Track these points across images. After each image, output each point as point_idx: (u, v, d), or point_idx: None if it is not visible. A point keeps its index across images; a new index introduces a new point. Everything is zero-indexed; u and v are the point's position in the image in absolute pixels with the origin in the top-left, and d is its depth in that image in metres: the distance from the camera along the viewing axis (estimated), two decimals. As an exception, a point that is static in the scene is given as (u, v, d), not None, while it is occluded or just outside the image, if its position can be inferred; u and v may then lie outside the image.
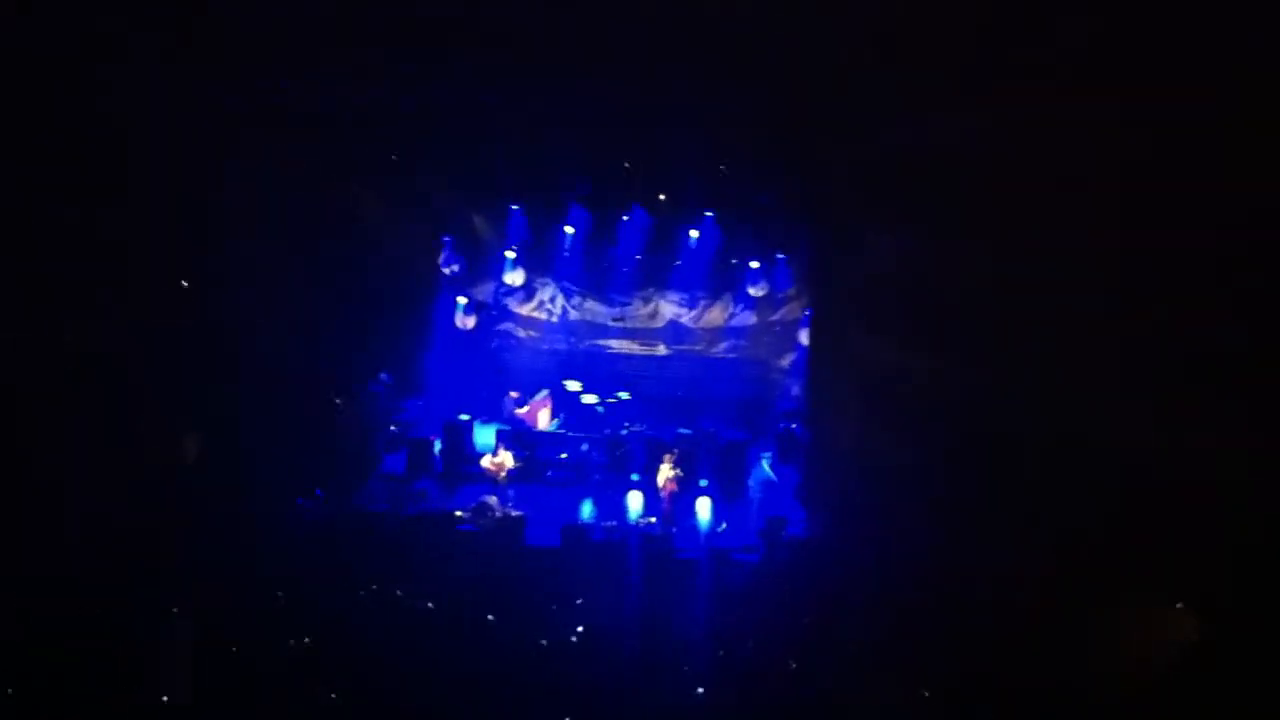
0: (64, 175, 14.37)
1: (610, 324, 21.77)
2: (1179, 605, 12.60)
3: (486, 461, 17.89)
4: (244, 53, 15.26)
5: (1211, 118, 12.21)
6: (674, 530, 16.70)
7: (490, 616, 12.93)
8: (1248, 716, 10.93)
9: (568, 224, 20.38)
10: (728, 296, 21.44)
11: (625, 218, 20.15)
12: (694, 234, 20.14)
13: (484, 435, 19.45)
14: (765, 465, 19.83)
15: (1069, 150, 13.43)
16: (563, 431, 19.97)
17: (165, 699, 10.90)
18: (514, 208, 20.41)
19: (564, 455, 19.09)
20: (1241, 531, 12.16)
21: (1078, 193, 13.56)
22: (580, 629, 12.77)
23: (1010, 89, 13.61)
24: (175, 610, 12.32)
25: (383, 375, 19.83)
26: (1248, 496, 12.17)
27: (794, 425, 19.87)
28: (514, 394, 20.06)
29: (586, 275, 21.40)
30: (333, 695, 11.15)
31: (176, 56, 14.94)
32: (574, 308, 21.78)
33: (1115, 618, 12.59)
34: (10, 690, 10.74)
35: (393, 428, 19.75)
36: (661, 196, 19.49)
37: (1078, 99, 13.23)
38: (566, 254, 20.84)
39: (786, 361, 21.40)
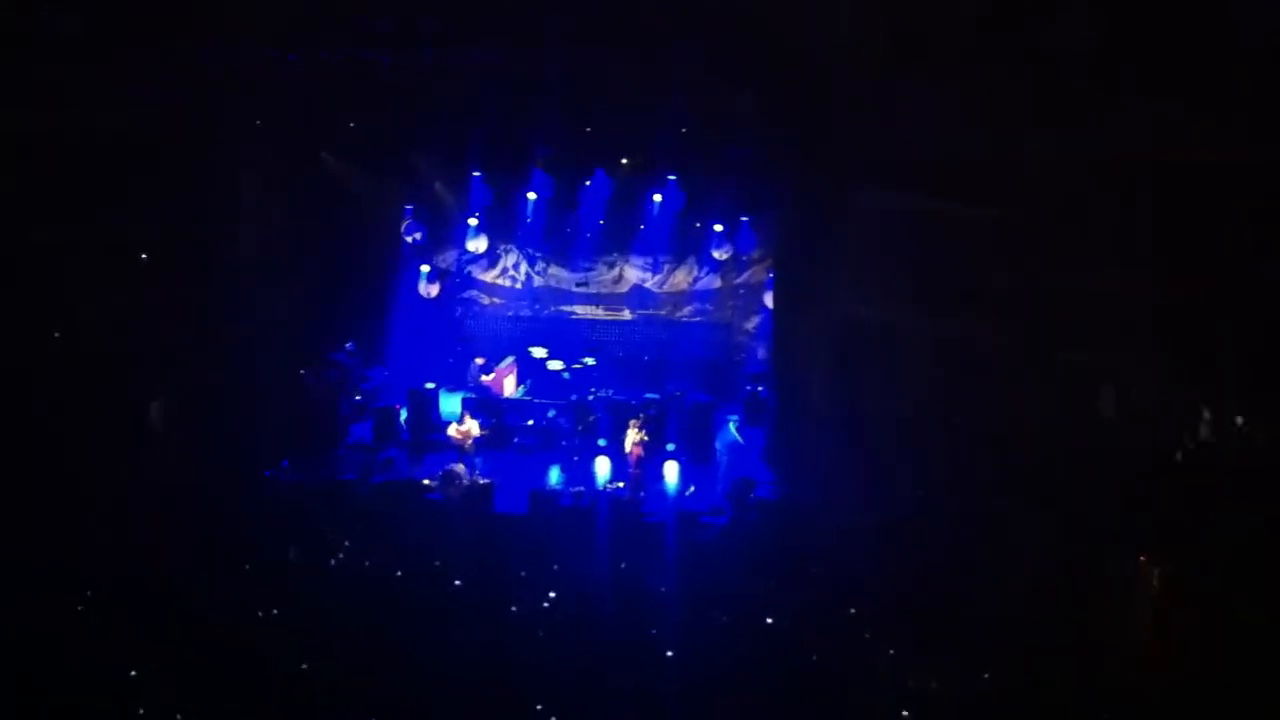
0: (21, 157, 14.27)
1: (574, 289, 21.75)
2: (1143, 558, 12.79)
3: (453, 429, 17.85)
4: (198, 24, 15.13)
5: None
6: (642, 494, 16.75)
7: (458, 582, 12.95)
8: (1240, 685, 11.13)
9: (530, 190, 20.27)
10: (692, 260, 21.43)
11: (587, 182, 20.07)
12: (657, 198, 20.09)
13: (450, 403, 19.42)
14: (732, 428, 19.88)
15: (1047, 100, 13.47)
16: (529, 398, 19.97)
17: (134, 672, 10.88)
18: (475, 174, 20.28)
19: (531, 422, 19.07)
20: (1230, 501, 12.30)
21: (1059, 151, 13.60)
22: (552, 594, 12.81)
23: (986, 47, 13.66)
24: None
25: (347, 345, 19.72)
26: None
27: (760, 388, 19.92)
28: (479, 360, 19.99)
29: (550, 241, 21.35)
30: (303, 665, 11.14)
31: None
32: (538, 274, 21.73)
33: (1084, 571, 12.76)
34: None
35: (358, 397, 19.66)
36: (624, 160, 19.42)
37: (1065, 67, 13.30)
38: (529, 220, 20.75)
39: (752, 324, 21.44)
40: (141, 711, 10.38)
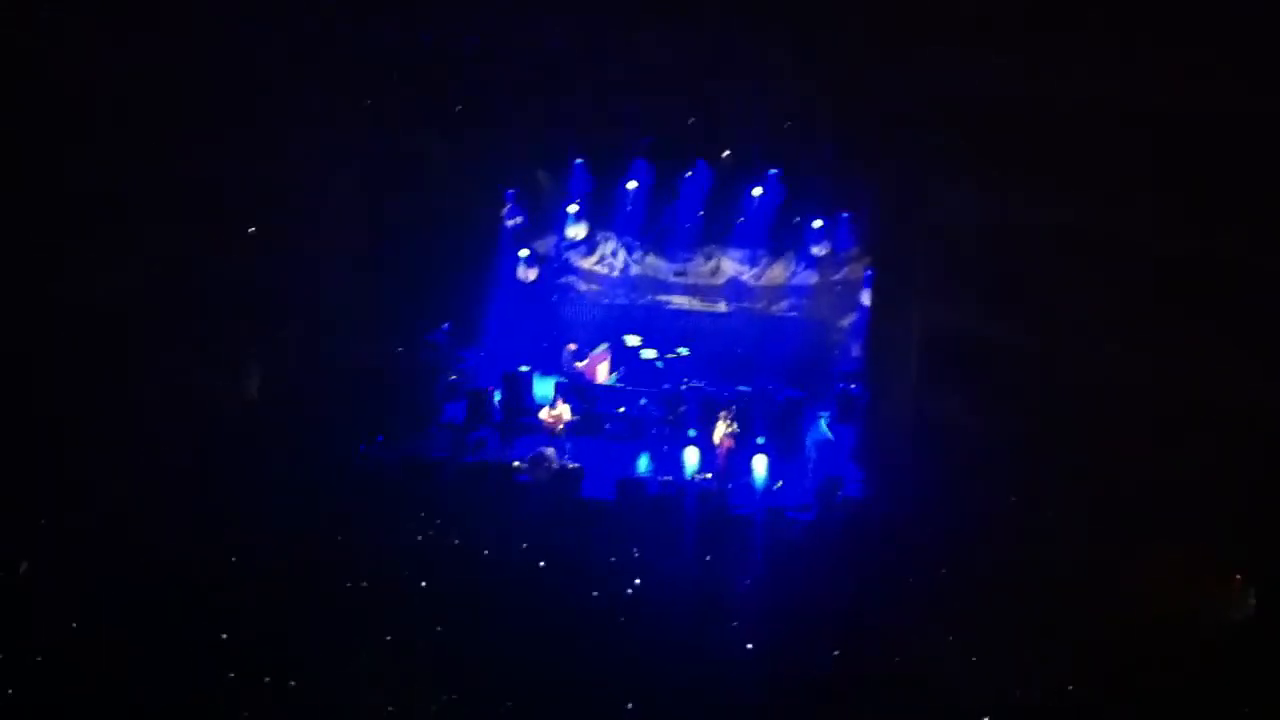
0: (126, 120, 14.61)
1: (671, 280, 21.69)
2: (1238, 576, 12.54)
3: (544, 413, 17.98)
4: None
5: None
6: (729, 487, 16.73)
7: (542, 564, 13.09)
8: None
9: (631, 179, 20.32)
10: (790, 255, 21.25)
11: (688, 173, 20.06)
12: (757, 191, 20.02)
13: (543, 387, 19.55)
14: (823, 425, 19.75)
15: (1142, 103, 13.23)
16: (621, 386, 20.03)
17: (224, 636, 11.19)
18: (577, 162, 20.38)
19: (622, 409, 19.15)
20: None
21: (1149, 148, 13.36)
22: (636, 581, 12.90)
23: (1082, 41, 13.46)
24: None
25: (444, 325, 19.98)
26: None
27: (853, 386, 19.78)
28: (572, 346, 20.11)
29: (648, 230, 21.29)
30: (387, 637, 11.38)
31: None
32: (635, 262, 21.72)
33: (1172, 580, 12.52)
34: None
35: (453, 377, 19.89)
36: (725, 153, 19.40)
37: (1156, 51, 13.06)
38: (629, 209, 20.79)
39: (847, 322, 21.21)
40: (232, 676, 10.68)
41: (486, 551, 13.48)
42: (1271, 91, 12.19)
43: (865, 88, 15.57)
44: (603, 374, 20.38)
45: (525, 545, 13.59)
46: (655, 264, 21.69)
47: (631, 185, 20.38)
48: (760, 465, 17.12)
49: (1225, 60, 12.46)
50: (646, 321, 21.46)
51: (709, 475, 16.95)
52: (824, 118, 16.82)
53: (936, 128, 15.22)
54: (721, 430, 17.26)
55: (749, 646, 11.71)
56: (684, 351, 20.50)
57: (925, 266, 16.26)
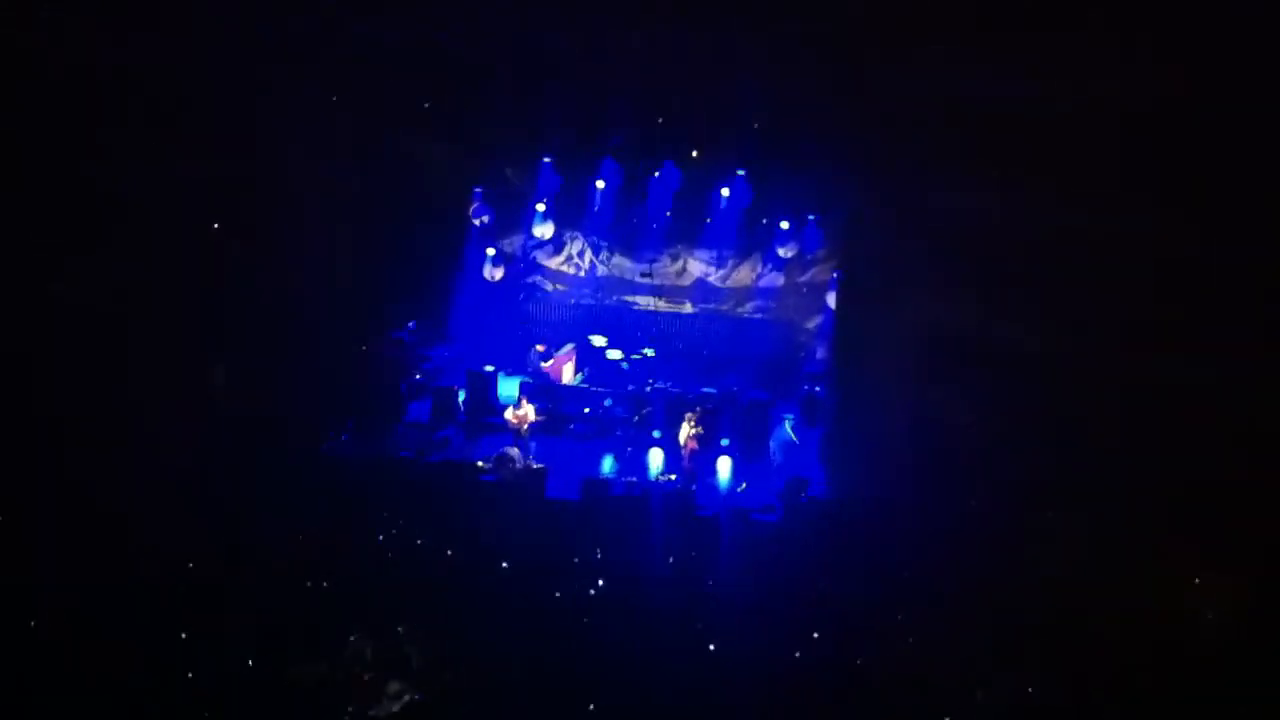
0: (93, 115, 14.49)
1: (638, 280, 21.68)
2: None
3: (509, 413, 17.92)
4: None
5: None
6: (694, 488, 16.73)
7: (505, 564, 13.04)
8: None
9: (599, 178, 20.28)
10: (756, 256, 21.30)
11: (656, 174, 20.04)
12: (725, 192, 20.02)
13: (508, 387, 19.50)
14: (788, 426, 19.79)
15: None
16: (586, 386, 20.00)
17: (184, 635, 11.09)
18: (545, 160, 20.33)
19: (587, 410, 19.13)
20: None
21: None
22: (599, 582, 12.87)
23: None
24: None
25: (410, 324, 19.88)
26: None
27: (818, 387, 19.84)
28: (539, 347, 20.07)
29: (616, 230, 21.27)
30: (351, 638, 11.30)
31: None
32: (602, 263, 21.70)
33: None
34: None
35: (418, 376, 19.81)
36: (694, 153, 19.39)
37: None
38: (597, 208, 20.75)
39: (813, 324, 21.30)
40: (190, 676, 10.58)
41: (450, 551, 13.41)
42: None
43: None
44: (568, 374, 20.34)
45: (489, 545, 13.53)
46: (622, 264, 21.68)
47: (600, 185, 20.34)
48: (725, 467, 17.14)
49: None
50: (613, 321, 21.45)
51: (673, 476, 16.95)
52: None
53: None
54: (686, 431, 17.26)
55: (712, 647, 11.70)
56: (650, 352, 20.51)
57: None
